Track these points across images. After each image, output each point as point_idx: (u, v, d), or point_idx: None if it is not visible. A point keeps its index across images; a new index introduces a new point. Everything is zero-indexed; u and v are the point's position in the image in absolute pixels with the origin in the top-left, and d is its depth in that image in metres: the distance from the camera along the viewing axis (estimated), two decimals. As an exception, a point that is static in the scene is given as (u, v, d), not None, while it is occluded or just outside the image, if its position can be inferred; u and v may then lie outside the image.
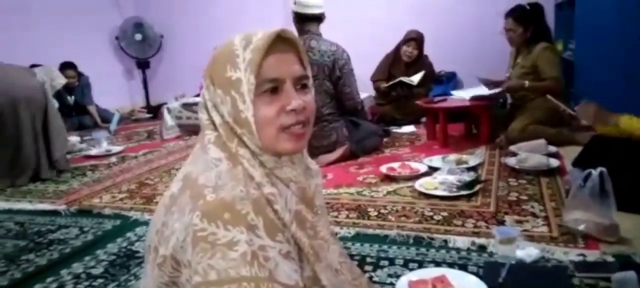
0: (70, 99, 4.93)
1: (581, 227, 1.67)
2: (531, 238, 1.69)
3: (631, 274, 1.27)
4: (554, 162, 2.49)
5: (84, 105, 5.01)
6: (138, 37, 5.83)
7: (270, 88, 0.79)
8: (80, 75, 4.96)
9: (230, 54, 0.79)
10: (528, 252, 1.55)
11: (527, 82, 3.11)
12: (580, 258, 1.53)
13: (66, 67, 4.70)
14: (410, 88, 3.98)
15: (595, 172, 1.66)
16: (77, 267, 1.74)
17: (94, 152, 3.71)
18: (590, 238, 1.64)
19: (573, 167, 2.28)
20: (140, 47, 5.91)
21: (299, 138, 0.81)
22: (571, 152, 2.65)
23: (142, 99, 6.21)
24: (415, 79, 3.96)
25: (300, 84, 0.82)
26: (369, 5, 4.94)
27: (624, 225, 1.67)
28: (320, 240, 0.88)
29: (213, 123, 0.82)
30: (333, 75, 2.92)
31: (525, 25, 3.12)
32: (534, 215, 1.92)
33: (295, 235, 0.81)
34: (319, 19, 2.99)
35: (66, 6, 5.27)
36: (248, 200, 0.73)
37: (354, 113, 3.10)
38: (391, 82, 4.03)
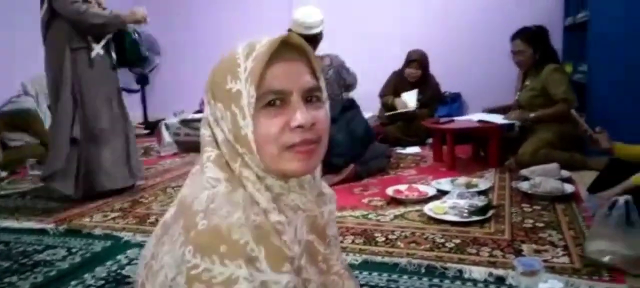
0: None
1: (606, 259, 1.56)
2: (552, 269, 1.59)
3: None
4: (569, 188, 2.38)
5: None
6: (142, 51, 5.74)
7: (274, 100, 0.68)
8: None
9: (232, 64, 0.69)
10: (552, 285, 1.44)
11: (532, 114, 3.02)
12: (608, 293, 1.42)
13: None
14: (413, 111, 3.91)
15: (621, 200, 1.57)
16: (62, 292, 1.61)
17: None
18: (616, 271, 1.54)
19: (589, 193, 2.19)
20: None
21: (307, 156, 0.70)
22: (585, 178, 2.57)
23: (140, 114, 6.10)
24: (411, 103, 3.89)
25: (312, 96, 0.72)
26: (377, 22, 4.83)
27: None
28: (334, 276, 0.77)
29: (216, 140, 0.73)
30: (341, 85, 2.83)
31: (534, 46, 3.05)
32: (552, 244, 1.80)
33: (302, 271, 0.70)
34: (315, 39, 2.79)
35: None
36: (247, 227, 0.63)
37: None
38: (390, 113, 3.96)
